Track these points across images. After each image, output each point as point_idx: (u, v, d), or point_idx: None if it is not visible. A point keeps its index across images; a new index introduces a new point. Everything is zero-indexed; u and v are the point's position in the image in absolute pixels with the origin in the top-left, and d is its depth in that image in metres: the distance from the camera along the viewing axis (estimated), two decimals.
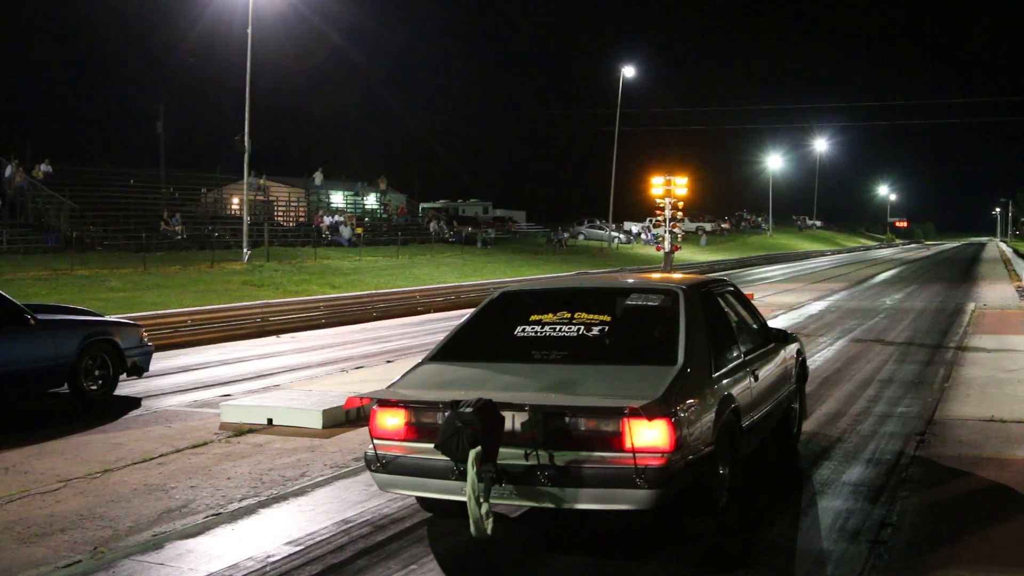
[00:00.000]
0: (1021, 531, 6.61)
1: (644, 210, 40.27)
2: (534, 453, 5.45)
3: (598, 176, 70.96)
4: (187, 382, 14.74)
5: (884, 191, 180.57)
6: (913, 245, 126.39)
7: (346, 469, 8.74)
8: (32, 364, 11.63)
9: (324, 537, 6.78)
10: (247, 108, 33.19)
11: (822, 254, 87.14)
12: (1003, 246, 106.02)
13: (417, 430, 5.90)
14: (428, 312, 27.28)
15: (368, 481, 7.98)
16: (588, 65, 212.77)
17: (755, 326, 8.10)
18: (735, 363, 6.79)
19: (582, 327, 6.43)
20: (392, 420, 5.99)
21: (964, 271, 47.76)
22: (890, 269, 49.32)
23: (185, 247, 37.04)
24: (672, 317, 6.35)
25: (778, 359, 8.14)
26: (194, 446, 9.81)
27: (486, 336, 6.79)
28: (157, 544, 6.64)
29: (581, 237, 71.51)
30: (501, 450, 5.42)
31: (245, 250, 33.24)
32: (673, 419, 5.38)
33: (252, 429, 10.46)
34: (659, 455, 5.33)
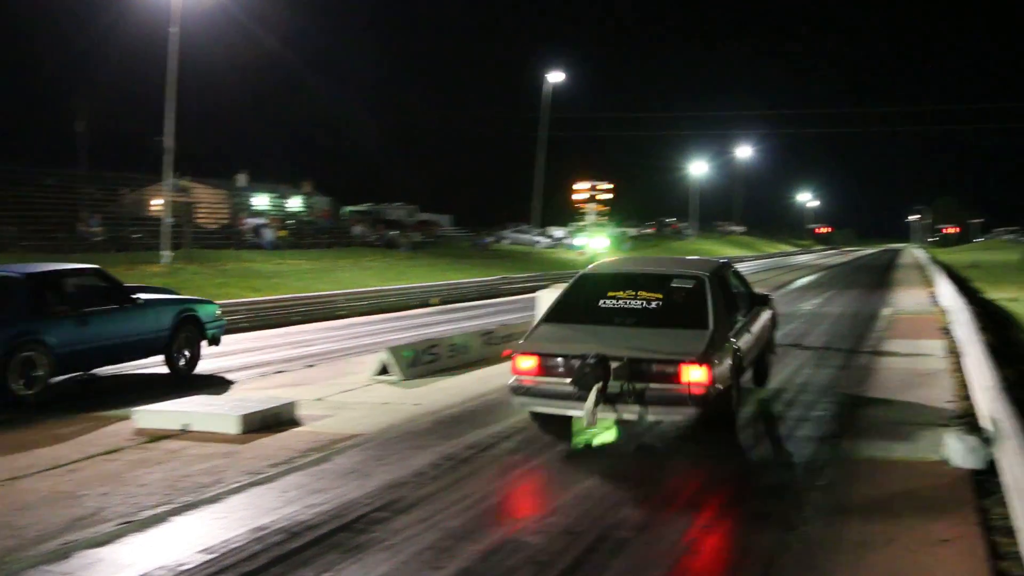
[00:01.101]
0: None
1: (569, 215, 40.32)
2: (626, 384, 8.58)
3: (524, 181, 70.91)
4: (101, 388, 14.55)
5: (805, 198, 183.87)
6: (832, 251, 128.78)
7: (262, 476, 8.60)
8: (141, 336, 14.13)
9: (238, 545, 6.70)
10: (171, 108, 32.67)
11: (742, 260, 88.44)
12: (918, 252, 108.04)
13: (545, 370, 9.01)
14: (351, 316, 27.06)
15: (284, 488, 8.26)
16: (516, 70, 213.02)
17: (747, 293, 11.64)
18: (739, 325, 10.22)
19: (644, 302, 9.62)
20: (527, 363, 9.08)
21: (880, 277, 48.27)
22: (809, 275, 49.56)
23: (104, 249, 36.28)
24: (702, 295, 9.58)
25: (762, 318, 11.88)
26: (107, 452, 9.62)
27: (579, 305, 9.86)
28: (64, 554, 6.50)
29: (506, 241, 71.46)
30: (596, 388, 8.44)
31: (165, 252, 32.71)
32: (710, 365, 8.58)
33: (167, 435, 10.32)
34: (701, 387, 8.46)
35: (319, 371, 15.02)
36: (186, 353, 15.10)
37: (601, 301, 9.83)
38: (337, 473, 8.63)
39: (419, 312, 27.90)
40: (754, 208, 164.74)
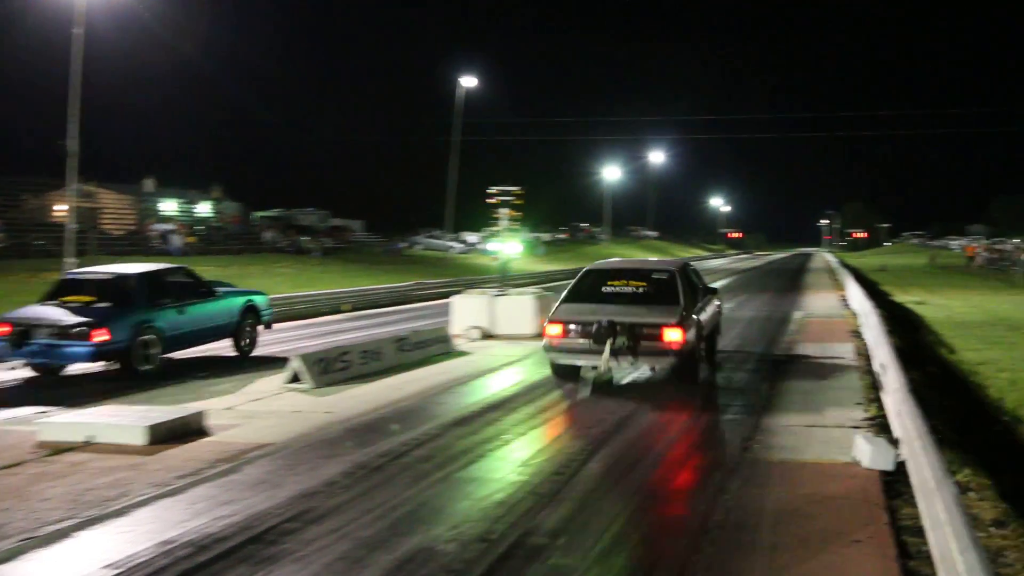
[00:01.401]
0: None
1: (483, 220, 40.34)
2: (626, 342, 12.64)
3: (438, 186, 70.64)
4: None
5: (718, 203, 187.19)
6: (744, 255, 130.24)
7: (169, 488, 8.46)
8: (220, 323, 17.47)
9: (144, 559, 6.59)
10: (75, 111, 31.94)
11: None
12: (829, 256, 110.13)
13: (567, 333, 13.14)
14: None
15: (192, 499, 8.18)
16: (429, 74, 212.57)
17: (701, 285, 15.48)
18: (698, 305, 13.93)
19: (633, 288, 13.82)
20: (555, 329, 13.25)
21: (791, 281, 49.16)
22: (721, 279, 49.99)
23: (5, 256, 35.29)
24: (674, 283, 13.65)
25: (712, 304, 15.83)
26: (7, 466, 9.39)
27: (586, 291, 14.10)
28: None
29: (420, 247, 71.12)
30: (610, 343, 12.27)
31: (69, 259, 31.95)
32: (683, 328, 12.33)
33: (71, 447, 10.11)
34: (677, 343, 12.42)
35: (228, 379, 14.75)
36: (247, 339, 18.38)
37: (602, 288, 14.34)
38: (247, 484, 8.50)
39: (331, 319, 27.67)
40: (667, 213, 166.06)
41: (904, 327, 22.82)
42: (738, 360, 16.95)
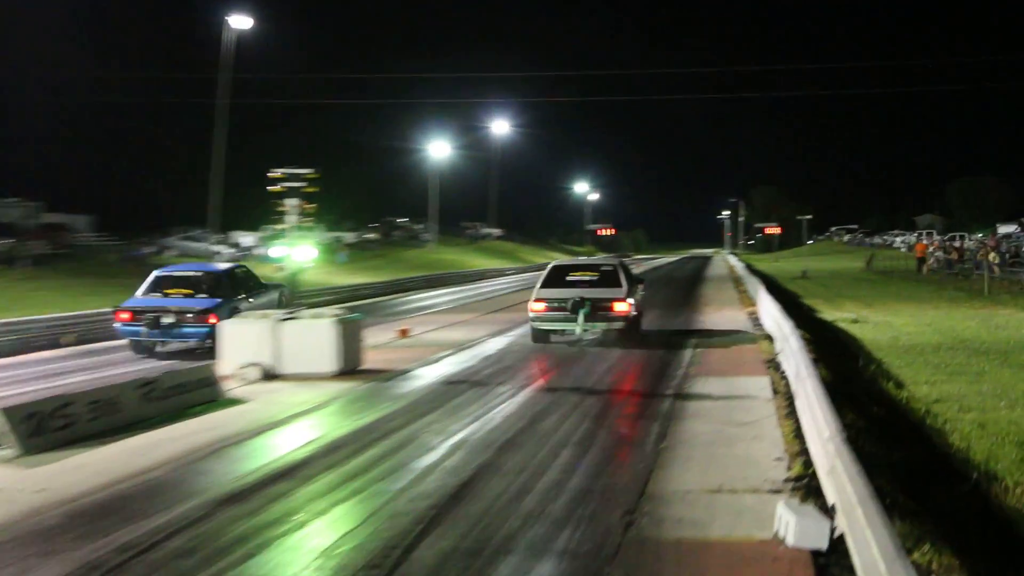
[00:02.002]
0: None
1: (262, 216, 39.69)
2: (590, 312, 27.05)
3: (199, 169, 68.94)
4: None
5: (583, 190, 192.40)
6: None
7: None
8: (269, 307, 26.77)
9: None
10: None
11: (502, 273, 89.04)
12: (733, 259, 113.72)
13: (548, 308, 27.32)
14: None
15: None
16: (186, 10, 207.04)
17: (636, 275, 30.88)
18: (635, 288, 28.75)
19: (589, 277, 28.53)
20: (539, 305, 27.27)
21: (684, 293, 50.63)
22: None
23: None
24: (616, 272, 28.74)
25: (640, 289, 30.08)
26: None
27: (555, 281, 28.31)
28: None
29: (172, 252, 69.13)
30: (582, 311, 26.39)
31: None
32: (629, 302, 27.25)
33: None
34: (626, 311, 27.21)
35: None
36: None
37: (566, 277, 27.21)
38: None
39: (46, 355, 26.90)
40: (518, 205, 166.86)
41: (836, 354, 23.66)
42: (615, 402, 17.64)
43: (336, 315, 22.89)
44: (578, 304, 27.55)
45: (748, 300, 42.22)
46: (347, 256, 79.44)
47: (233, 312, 26.61)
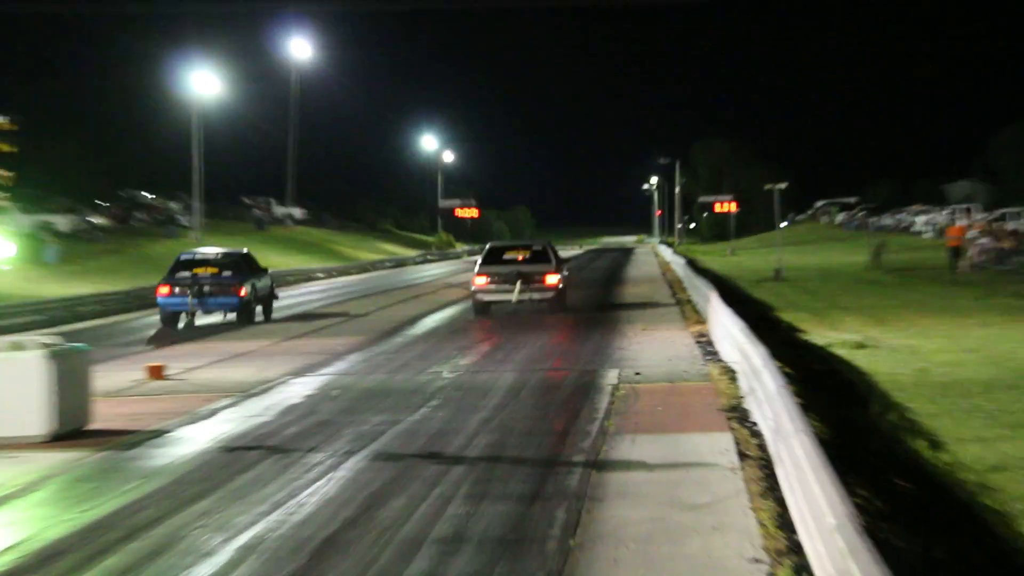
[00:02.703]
0: None
1: None
2: (525, 283, 39.89)
3: None
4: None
5: (433, 150, 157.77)
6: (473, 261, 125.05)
7: None
8: (266, 292, 42.11)
9: None
10: None
11: (309, 277, 77.04)
12: (666, 252, 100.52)
13: (490, 281, 40.11)
14: None
15: None
16: None
17: (562, 256, 48.82)
18: (562, 264, 43.46)
19: (523, 255, 41.33)
20: (482, 280, 40.32)
21: (597, 304, 46.17)
22: (442, 308, 45.97)
23: None
24: (546, 251, 41.83)
25: (565, 268, 45.14)
26: None
27: (493, 260, 41.20)
28: None
29: None
30: (522, 284, 40.78)
31: None
32: (559, 275, 41.05)
33: None
34: (556, 283, 40.36)
35: None
36: (273, 305, 43.06)
37: (503, 256, 40.85)
38: None
39: None
40: (332, 174, 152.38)
41: (835, 397, 20.26)
42: (496, 474, 14.96)
43: (47, 346, 18.46)
44: (515, 276, 38.40)
45: (694, 314, 37.79)
46: (58, 253, 65.40)
47: (252, 286, 38.79)
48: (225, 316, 39.11)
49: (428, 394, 22.30)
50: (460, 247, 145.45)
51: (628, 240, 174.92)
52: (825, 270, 63.04)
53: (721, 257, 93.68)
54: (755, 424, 17.11)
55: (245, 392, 23.18)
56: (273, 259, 78.14)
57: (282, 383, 24.54)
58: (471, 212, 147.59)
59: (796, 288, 49.91)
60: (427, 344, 32.12)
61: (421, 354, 29.48)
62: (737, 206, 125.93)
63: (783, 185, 72.26)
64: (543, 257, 40.38)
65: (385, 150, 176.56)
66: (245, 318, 38.74)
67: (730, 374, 22.55)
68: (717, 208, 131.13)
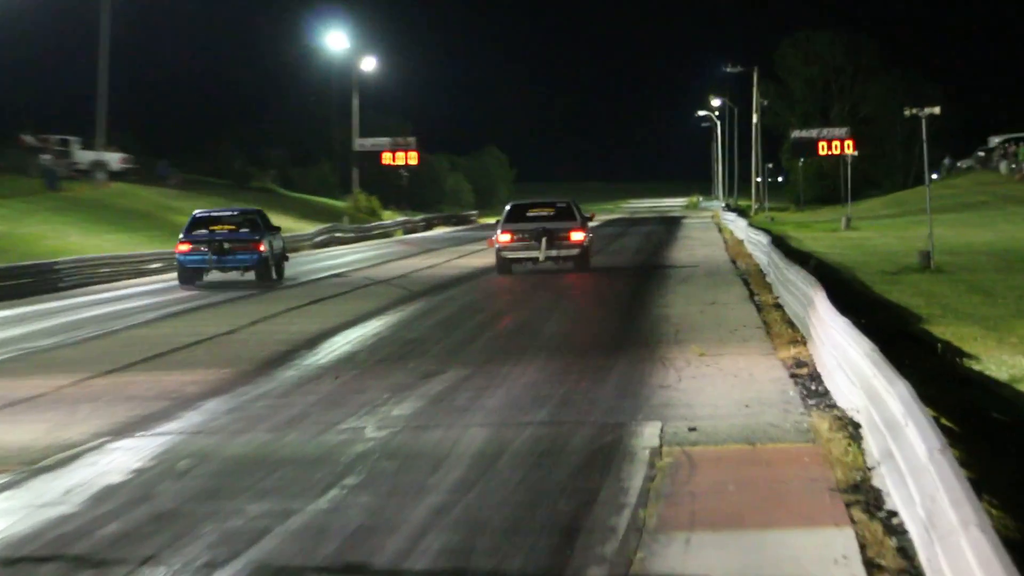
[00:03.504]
0: None
1: None
2: (550, 240, 47.81)
3: None
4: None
5: (342, 51, 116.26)
6: (427, 231, 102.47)
7: None
8: (281, 250, 50.35)
9: None
10: None
11: (138, 269, 58.81)
12: (735, 222, 77.95)
13: (513, 239, 47.86)
14: None
15: None
16: None
17: (586, 214, 58.24)
18: (586, 222, 52.29)
19: (547, 212, 49.04)
20: (505, 237, 48.42)
21: (621, 311, 36.61)
22: (363, 319, 35.56)
23: None
24: (571, 208, 49.88)
25: (590, 227, 58.11)
26: None
27: (516, 217, 48.98)
28: None
29: None
30: (547, 241, 50.89)
31: None
32: (584, 231, 49.89)
33: None
34: (582, 239, 48.79)
35: None
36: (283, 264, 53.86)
37: (528, 213, 48.57)
38: None
39: None
40: (180, 98, 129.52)
41: None
42: None
43: None
44: (540, 233, 44.12)
45: (785, 329, 28.38)
46: None
47: (269, 243, 45.37)
48: (243, 274, 45.81)
49: (341, 465, 17.29)
50: (390, 217, 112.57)
51: (675, 204, 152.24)
52: (1008, 252, 50.73)
53: (831, 232, 77.69)
54: (893, 513, 13.44)
55: (31, 465, 17.82)
56: (71, 239, 66.89)
57: (95, 449, 19.03)
58: (407, 157, 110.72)
59: (958, 283, 39.57)
60: (338, 381, 24.70)
61: (328, 398, 22.49)
62: (856, 145, 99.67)
63: (935, 110, 51.98)
64: (568, 214, 47.23)
65: (266, 59, 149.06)
66: (263, 275, 45.93)
67: (849, 429, 17.17)
68: (822, 150, 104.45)
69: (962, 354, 25.24)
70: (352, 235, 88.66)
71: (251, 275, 45.35)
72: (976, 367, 24.09)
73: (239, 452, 18.49)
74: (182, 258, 44.98)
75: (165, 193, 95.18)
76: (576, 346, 29.30)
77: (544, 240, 43.93)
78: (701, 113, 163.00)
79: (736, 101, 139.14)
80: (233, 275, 46.56)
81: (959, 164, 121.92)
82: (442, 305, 40.06)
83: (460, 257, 65.69)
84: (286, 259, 50.61)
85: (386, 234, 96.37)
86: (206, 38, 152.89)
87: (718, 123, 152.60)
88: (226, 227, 45.64)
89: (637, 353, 26.84)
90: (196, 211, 48.89)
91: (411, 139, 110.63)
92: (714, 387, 22.35)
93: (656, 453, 17.11)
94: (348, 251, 79.24)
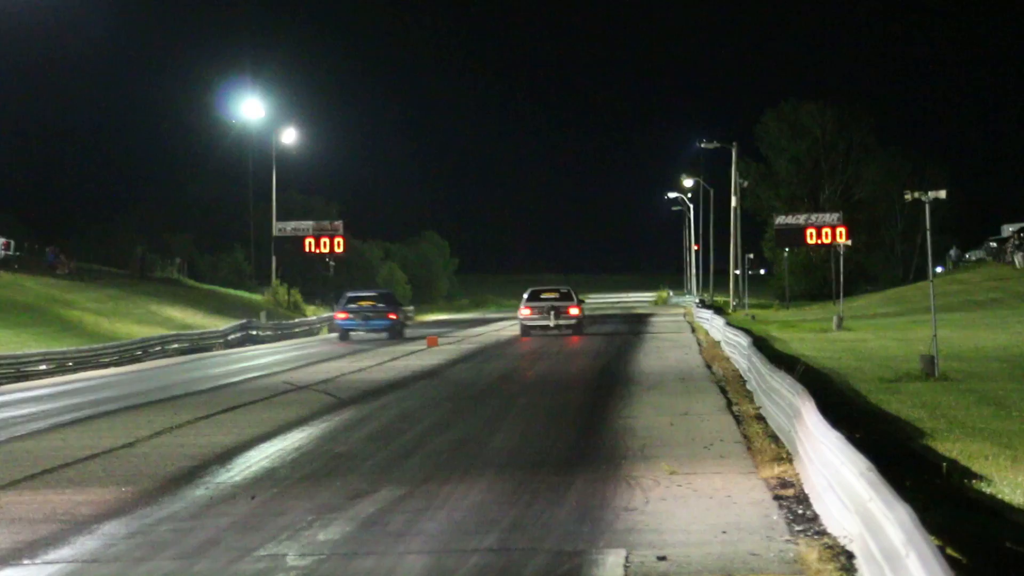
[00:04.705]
0: None
1: None
2: (557, 314, 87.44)
3: None
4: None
5: (260, 121, 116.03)
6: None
7: None
8: (404, 318, 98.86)
9: None
10: None
11: (19, 372, 53.66)
12: (710, 321, 77.01)
13: (532, 312, 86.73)
14: None
15: None
16: None
17: (580, 298, 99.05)
18: (582, 302, 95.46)
19: (555, 296, 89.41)
20: (526, 311, 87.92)
21: (583, 424, 34.55)
22: (284, 430, 33.53)
23: None
24: (571, 293, 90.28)
25: (582, 305, 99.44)
26: None
27: (534, 297, 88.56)
28: None
29: None
30: (555, 314, 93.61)
31: None
32: (580, 309, 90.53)
33: None
34: (577, 314, 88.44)
35: None
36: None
37: (541, 295, 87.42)
38: None
39: None
40: (74, 175, 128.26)
41: None
42: None
43: None
44: (551, 308, 75.55)
45: (768, 445, 27.25)
46: None
47: (401, 313, 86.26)
48: (381, 334, 77.27)
49: None
50: (314, 312, 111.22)
51: (642, 299, 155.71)
52: (1023, 358, 49.88)
53: (820, 333, 75.29)
54: None
55: None
56: None
57: None
58: (334, 244, 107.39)
59: (966, 393, 37.87)
60: (255, 502, 23.69)
61: (243, 521, 21.36)
62: (849, 234, 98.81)
63: (940, 193, 49.46)
64: (568, 296, 79.31)
65: (172, 135, 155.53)
66: (395, 335, 77.53)
67: (841, 559, 16.77)
68: (811, 238, 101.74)
69: (971, 475, 24.25)
70: (271, 333, 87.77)
71: (385, 335, 76.92)
72: (987, 489, 22.97)
73: None
74: (341, 323, 76.95)
75: (55, 284, 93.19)
76: (528, 463, 27.67)
77: (552, 313, 76.57)
78: (672, 195, 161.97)
79: (712, 183, 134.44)
80: (372, 335, 77.79)
81: (967, 256, 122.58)
82: (374, 414, 38.25)
83: (394, 359, 62.22)
84: (408, 324, 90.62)
85: (310, 332, 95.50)
86: (103, 110, 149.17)
87: (691, 207, 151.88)
88: (369, 302, 78.12)
89: (598, 471, 25.96)
90: (348, 292, 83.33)
91: (338, 223, 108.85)
92: (687, 510, 21.82)
93: None
94: (266, 351, 76.28)
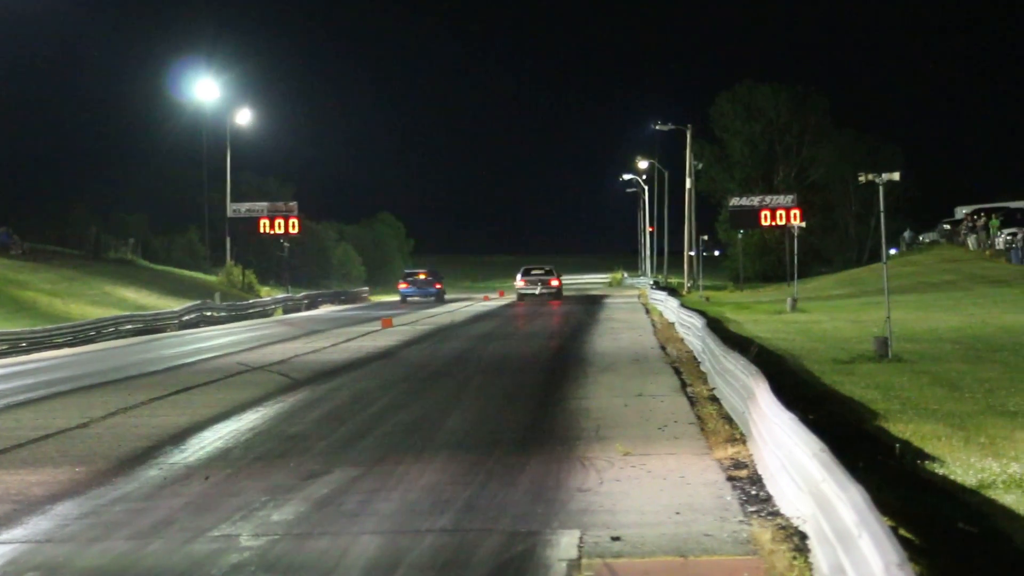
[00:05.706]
0: None
1: None
2: (542, 283, 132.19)
3: None
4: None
5: (213, 100, 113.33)
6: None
7: None
8: (444, 289, 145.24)
9: None
10: None
11: None
12: (664, 303, 75.83)
13: (525, 282, 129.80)
14: None
15: None
16: None
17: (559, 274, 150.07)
18: (559, 275, 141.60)
19: (541, 272, 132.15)
20: (521, 283, 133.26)
21: (535, 405, 34.55)
22: (239, 410, 33.48)
23: None
24: (553, 269, 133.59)
25: (560, 277, 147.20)
26: None
27: (526, 273, 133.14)
28: None
29: None
30: (541, 284, 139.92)
31: None
32: (559, 281, 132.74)
33: None
34: (557, 285, 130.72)
35: None
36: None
37: (529, 272, 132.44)
38: None
39: None
40: (24, 155, 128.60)
41: None
42: None
43: None
44: (539, 279, 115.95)
45: (722, 426, 27.61)
46: None
47: (443, 283, 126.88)
48: (430, 299, 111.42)
49: None
50: (268, 293, 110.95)
51: (596, 281, 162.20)
52: (976, 340, 49.09)
53: (774, 314, 74.31)
54: None
55: None
56: None
57: None
58: (288, 225, 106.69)
59: (919, 375, 38.02)
60: (209, 482, 23.72)
61: (197, 501, 21.53)
62: (803, 216, 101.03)
63: (894, 176, 48.81)
64: (551, 272, 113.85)
65: (126, 114, 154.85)
66: (439, 300, 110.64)
67: (794, 540, 16.89)
68: (765, 220, 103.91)
69: (924, 456, 24.36)
70: (225, 314, 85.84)
71: (433, 299, 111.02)
72: (940, 471, 23.22)
73: (94, 563, 17.67)
74: (403, 291, 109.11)
75: (8, 265, 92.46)
76: (482, 443, 27.80)
77: (539, 284, 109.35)
78: (626, 177, 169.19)
79: (667, 164, 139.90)
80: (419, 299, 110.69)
81: (921, 238, 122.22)
82: (328, 395, 38.00)
83: (349, 340, 62.63)
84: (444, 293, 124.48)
85: (264, 313, 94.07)
86: (55, 88, 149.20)
87: (646, 189, 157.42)
88: (422, 275, 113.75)
89: (552, 451, 26.08)
90: (406, 269, 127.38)
91: (293, 204, 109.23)
92: (640, 491, 21.97)
93: (574, 566, 16.77)
94: (220, 332, 75.32)
